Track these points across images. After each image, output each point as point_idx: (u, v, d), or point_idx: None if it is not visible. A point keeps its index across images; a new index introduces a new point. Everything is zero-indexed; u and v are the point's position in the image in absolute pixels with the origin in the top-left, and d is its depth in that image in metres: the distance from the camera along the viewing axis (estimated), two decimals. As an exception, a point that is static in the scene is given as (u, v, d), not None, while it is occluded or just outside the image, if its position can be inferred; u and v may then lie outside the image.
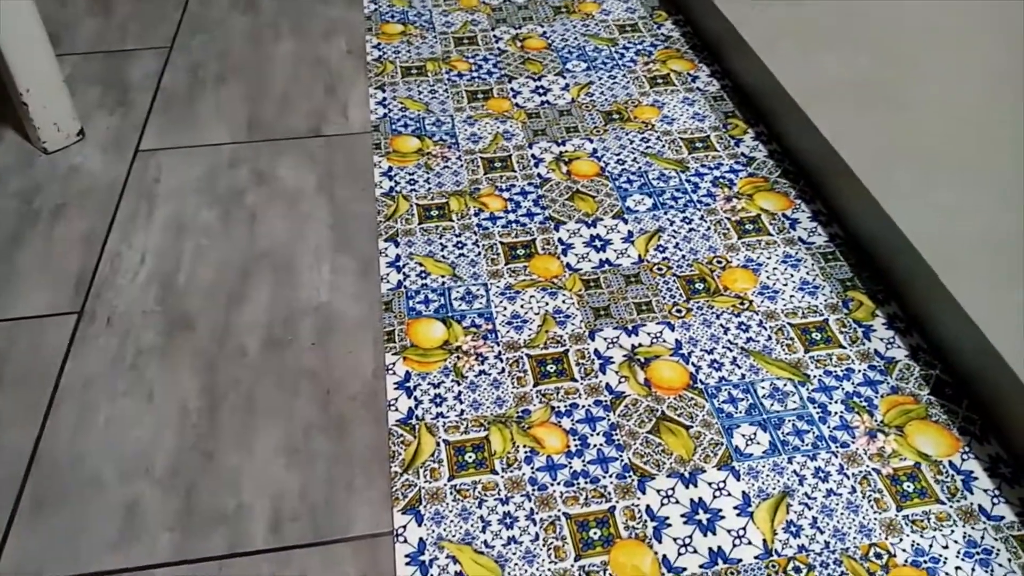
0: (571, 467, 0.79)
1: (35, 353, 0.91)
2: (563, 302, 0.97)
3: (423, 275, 1.00)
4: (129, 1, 1.57)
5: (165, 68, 1.38)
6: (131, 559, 0.73)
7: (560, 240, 1.05)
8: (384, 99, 1.30)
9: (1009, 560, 0.72)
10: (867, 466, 0.79)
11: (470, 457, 0.80)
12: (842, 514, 0.75)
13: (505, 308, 0.96)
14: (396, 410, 0.85)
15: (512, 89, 1.33)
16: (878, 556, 0.72)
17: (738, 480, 0.78)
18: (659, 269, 1.01)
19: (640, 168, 1.16)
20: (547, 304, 0.96)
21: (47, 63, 1.15)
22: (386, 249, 1.04)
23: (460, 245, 1.04)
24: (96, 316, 0.96)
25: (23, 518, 0.76)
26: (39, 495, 0.78)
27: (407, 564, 0.72)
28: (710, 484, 0.78)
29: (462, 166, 1.17)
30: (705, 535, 0.74)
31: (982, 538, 0.73)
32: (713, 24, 1.38)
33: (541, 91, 1.32)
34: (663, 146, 1.20)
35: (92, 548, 0.74)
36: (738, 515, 0.75)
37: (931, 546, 0.73)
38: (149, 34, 1.47)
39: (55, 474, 0.80)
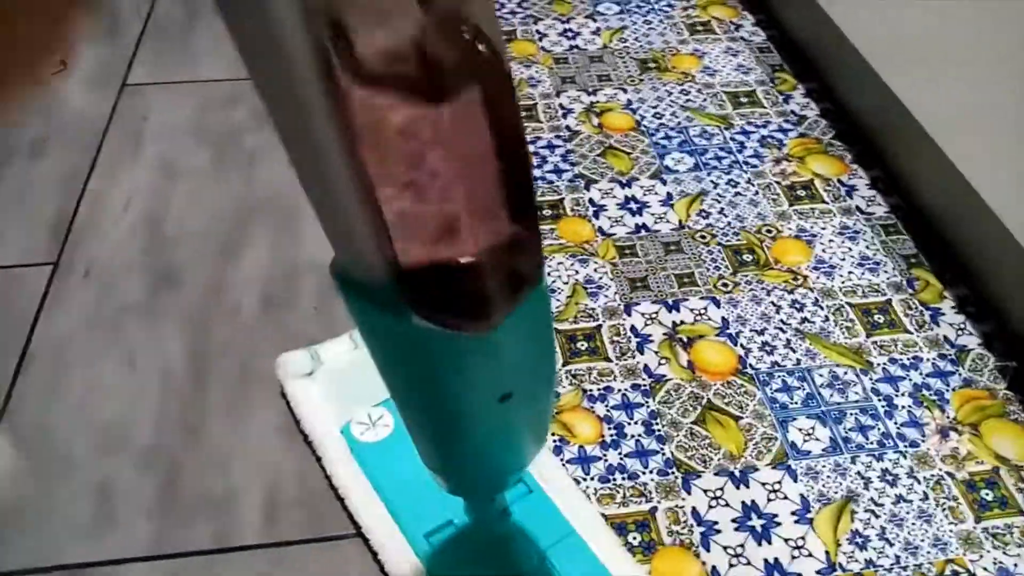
0: (606, 459, 0.70)
1: (4, 309, 0.81)
2: (595, 271, 0.87)
3: (439, 234, 0.89)
4: (119, -80, 1.43)
5: (157, -6, 1.26)
6: (106, 551, 0.64)
7: (591, 201, 0.95)
8: (398, 37, 1.18)
9: (1105, 585, 0.63)
10: (940, 469, 0.70)
11: (491, 444, 0.71)
12: (913, 524, 0.66)
13: (531, 274, 0.85)
14: (408, 387, 0.75)
15: (538, 31, 1.21)
16: (955, 575, 0.63)
17: (795, 481, 0.69)
18: (702, 237, 0.90)
19: (680, 123, 1.05)
20: (577, 273, 0.86)
21: (23, -19, 1.03)
22: (398, 203, 0.93)
23: (481, 202, 0.93)
24: (73, 267, 0.86)
25: (-17, 497, 0.67)
26: (2, 471, 0.69)
27: (420, 566, 0.63)
28: (764, 485, 0.68)
29: (483, 114, 1.05)
30: (760, 544, 0.65)
31: (1072, 558, 0.65)
32: (761, -33, 1.26)
33: (570, 34, 1.21)
34: (704, 100, 1.09)
35: (61, 537, 0.65)
36: (796, 522, 0.66)
37: (1016, 565, 0.64)
38: (140, -43, 1.34)
39: (21, 449, 0.70)
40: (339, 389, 0.73)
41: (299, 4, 0.22)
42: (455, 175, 0.28)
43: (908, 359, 0.79)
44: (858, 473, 0.70)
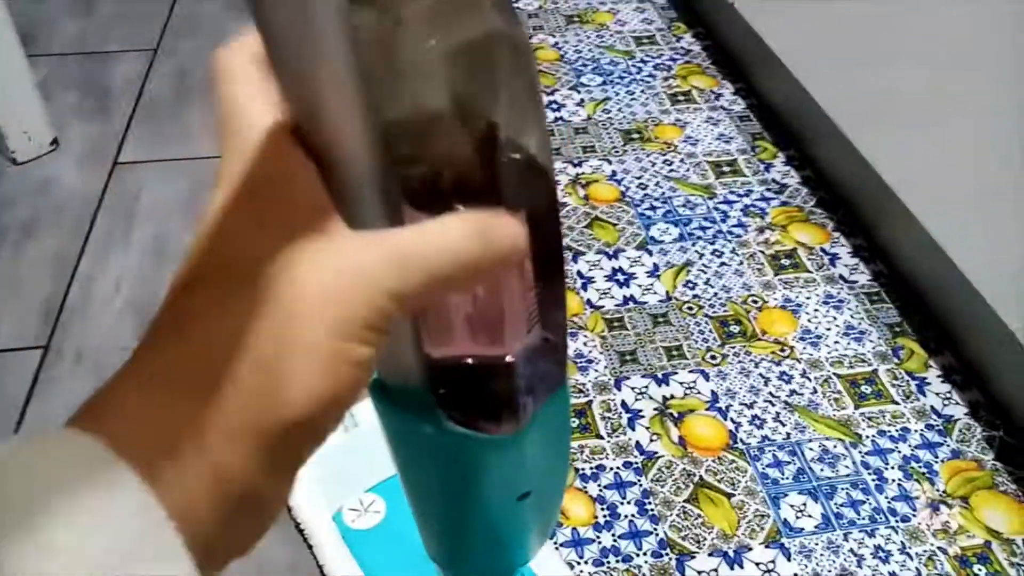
0: (600, 542, 0.70)
1: (-8, 395, 0.81)
2: (584, 344, 0.87)
3: (429, 310, 0.90)
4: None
5: (149, 73, 1.28)
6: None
7: (579, 273, 0.96)
8: (386, 111, 1.20)
9: (1101, 662, 0.63)
10: (932, 544, 0.70)
11: (484, 527, 0.71)
12: (908, 603, 0.66)
13: (521, 350, 0.86)
14: (400, 469, 0.75)
15: (524, 103, 1.23)
16: (952, 655, 0.63)
17: (789, 560, 0.69)
18: (689, 308, 0.92)
19: (664, 194, 1.07)
20: (567, 347, 0.87)
21: (17, 65, 1.05)
22: (388, 280, 0.94)
23: (470, 276, 0.94)
24: (64, 351, 0.86)
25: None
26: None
27: (414, 659, 0.62)
28: (758, 565, 0.68)
29: (471, 187, 1.07)
30: (755, 628, 0.64)
31: (1068, 634, 0.65)
32: (738, 37, 1.30)
33: (555, 106, 1.23)
34: (688, 169, 1.12)
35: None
36: (791, 603, 0.66)
37: (1012, 644, 0.64)
38: (133, 35, 1.37)
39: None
40: (330, 474, 0.73)
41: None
42: (498, 293, 0.29)
43: (896, 431, 0.79)
44: (851, 550, 0.70)
